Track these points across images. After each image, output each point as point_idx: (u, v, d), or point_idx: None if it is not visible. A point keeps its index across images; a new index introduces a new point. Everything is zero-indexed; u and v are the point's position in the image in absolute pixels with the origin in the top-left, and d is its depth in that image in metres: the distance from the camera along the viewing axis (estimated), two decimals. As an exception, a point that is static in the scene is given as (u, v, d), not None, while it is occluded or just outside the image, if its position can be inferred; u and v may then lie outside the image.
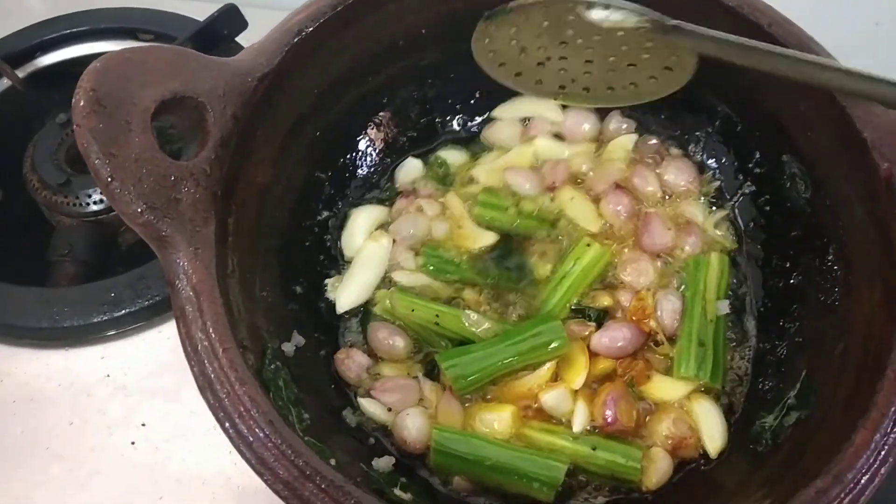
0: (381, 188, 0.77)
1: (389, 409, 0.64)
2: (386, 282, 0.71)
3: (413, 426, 0.62)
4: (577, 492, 0.62)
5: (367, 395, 0.65)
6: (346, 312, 0.70)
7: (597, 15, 0.58)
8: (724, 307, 0.68)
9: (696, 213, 0.73)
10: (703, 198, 0.74)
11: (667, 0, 0.59)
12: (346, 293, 0.70)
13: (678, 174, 0.74)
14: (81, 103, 0.49)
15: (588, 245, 0.70)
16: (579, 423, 0.63)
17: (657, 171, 0.75)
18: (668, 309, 0.67)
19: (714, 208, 0.74)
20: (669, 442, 0.62)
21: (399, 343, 0.67)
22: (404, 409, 0.63)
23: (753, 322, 0.69)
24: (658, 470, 0.61)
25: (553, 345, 0.63)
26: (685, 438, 0.62)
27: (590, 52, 0.61)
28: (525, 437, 0.62)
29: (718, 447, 0.62)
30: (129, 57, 0.52)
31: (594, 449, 0.61)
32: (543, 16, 0.59)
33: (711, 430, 0.63)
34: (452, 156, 0.78)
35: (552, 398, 0.63)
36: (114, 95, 0.50)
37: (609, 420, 0.61)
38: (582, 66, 0.63)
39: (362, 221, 0.74)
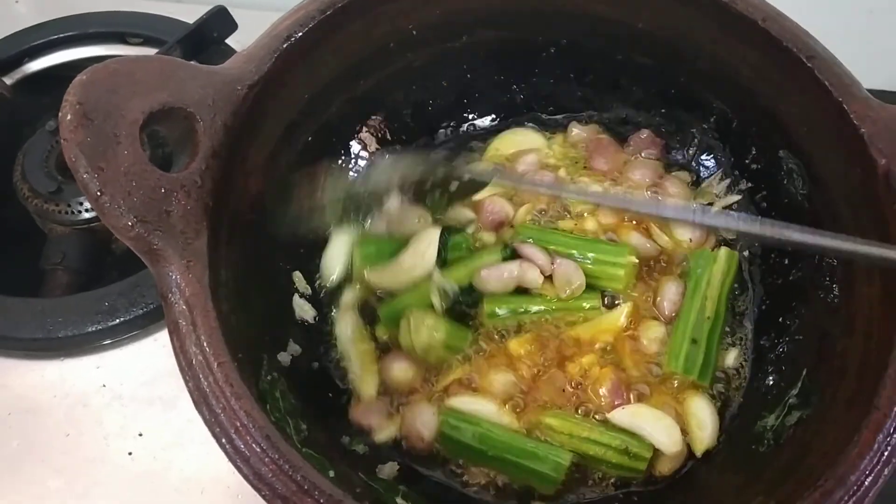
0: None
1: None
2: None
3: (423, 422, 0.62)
4: (581, 485, 0.62)
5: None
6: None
7: None
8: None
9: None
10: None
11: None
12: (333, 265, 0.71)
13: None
14: (68, 117, 0.48)
15: None
16: None
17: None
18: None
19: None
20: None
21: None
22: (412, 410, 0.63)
23: (752, 320, 0.69)
24: (671, 457, 0.62)
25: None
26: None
27: None
28: (536, 425, 0.62)
29: (707, 445, 0.62)
30: (116, 68, 0.51)
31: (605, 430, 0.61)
32: None
33: (701, 427, 0.62)
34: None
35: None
36: (101, 108, 0.49)
37: None
38: None
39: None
